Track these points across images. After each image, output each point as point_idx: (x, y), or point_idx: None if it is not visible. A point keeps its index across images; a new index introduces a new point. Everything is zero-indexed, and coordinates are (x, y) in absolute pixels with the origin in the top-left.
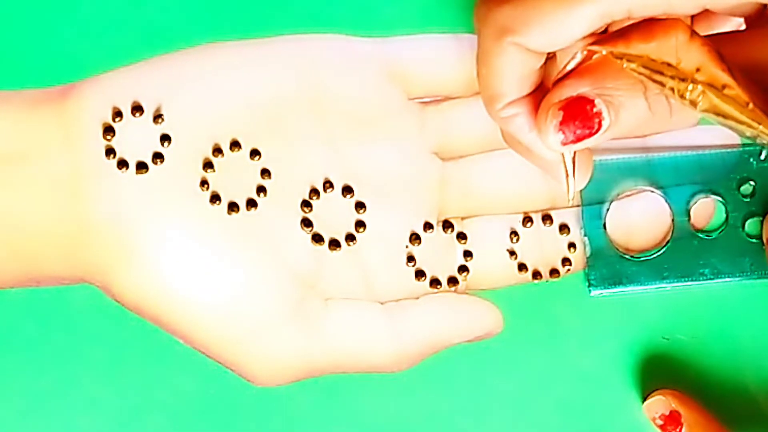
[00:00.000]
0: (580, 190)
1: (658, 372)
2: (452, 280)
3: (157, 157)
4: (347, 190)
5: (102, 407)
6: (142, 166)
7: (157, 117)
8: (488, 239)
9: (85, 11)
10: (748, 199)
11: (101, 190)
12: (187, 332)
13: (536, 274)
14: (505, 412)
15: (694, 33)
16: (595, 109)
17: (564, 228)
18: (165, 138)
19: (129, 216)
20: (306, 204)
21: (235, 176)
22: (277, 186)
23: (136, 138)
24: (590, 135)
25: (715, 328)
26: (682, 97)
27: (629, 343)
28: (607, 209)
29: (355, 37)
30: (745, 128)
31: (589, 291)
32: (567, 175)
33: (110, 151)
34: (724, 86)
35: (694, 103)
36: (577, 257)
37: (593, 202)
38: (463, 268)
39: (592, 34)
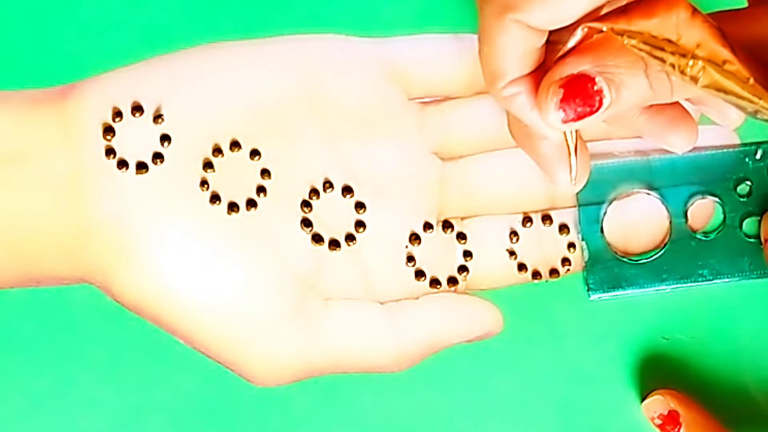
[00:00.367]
0: (577, 194)
1: (657, 372)
2: (452, 280)
3: (157, 157)
4: (347, 190)
5: (102, 407)
6: (142, 166)
7: (157, 117)
8: (488, 239)
9: (85, 11)
10: (745, 199)
11: (101, 190)
12: (187, 332)
13: (536, 274)
14: (505, 412)
15: (695, 10)
16: (595, 87)
17: (563, 228)
18: (165, 138)
19: (129, 216)
20: (306, 204)
21: (235, 176)
22: (277, 186)
23: (136, 138)
24: (591, 113)
25: (714, 328)
26: (682, 73)
27: (629, 343)
28: (604, 213)
29: (355, 37)
30: (746, 103)
31: (589, 295)
32: (569, 155)
33: (110, 151)
34: (724, 62)
35: (694, 79)
36: (577, 257)
37: (590, 206)
38: (462, 268)
39: (593, 12)
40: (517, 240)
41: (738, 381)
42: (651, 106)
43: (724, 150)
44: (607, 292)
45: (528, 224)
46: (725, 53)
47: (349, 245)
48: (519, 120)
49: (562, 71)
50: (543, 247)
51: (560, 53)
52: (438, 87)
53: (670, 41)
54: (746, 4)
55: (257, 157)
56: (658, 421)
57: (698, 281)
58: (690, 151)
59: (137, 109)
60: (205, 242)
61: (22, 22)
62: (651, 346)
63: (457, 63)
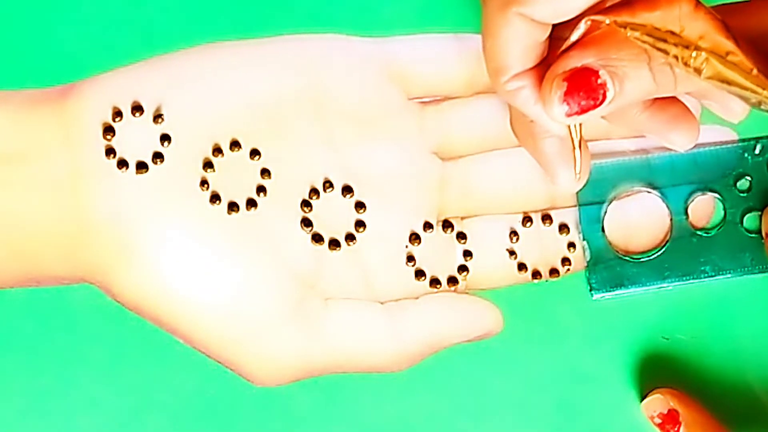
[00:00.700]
0: (577, 193)
1: (657, 372)
2: (452, 280)
3: (157, 156)
4: (347, 189)
5: (102, 407)
6: (142, 166)
7: (157, 117)
8: (488, 239)
9: (85, 11)
10: (745, 195)
11: (101, 189)
12: (187, 332)
13: (536, 274)
14: (505, 412)
15: (697, 2)
16: (599, 80)
17: (563, 228)
18: (165, 138)
19: (129, 216)
20: (306, 204)
21: (235, 176)
22: (277, 186)
23: (136, 138)
24: (595, 106)
25: (714, 328)
26: (686, 64)
27: (629, 343)
28: (605, 212)
29: (355, 37)
30: (750, 94)
31: (591, 295)
32: (574, 148)
33: (110, 151)
34: (727, 53)
35: (698, 71)
36: (577, 257)
37: (590, 205)
38: (462, 268)
39: (596, 5)
40: (517, 240)
41: (738, 380)
42: (653, 103)
43: (723, 146)
44: (610, 291)
45: (528, 224)
46: (728, 44)
47: (349, 245)
48: (522, 117)
49: (566, 64)
50: (543, 246)
51: (564, 47)
52: (438, 87)
53: (673, 33)
54: None
55: (257, 156)
56: (658, 420)
57: (700, 278)
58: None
59: (137, 108)
60: (205, 242)
61: (22, 22)
62: (651, 345)
63: (457, 63)
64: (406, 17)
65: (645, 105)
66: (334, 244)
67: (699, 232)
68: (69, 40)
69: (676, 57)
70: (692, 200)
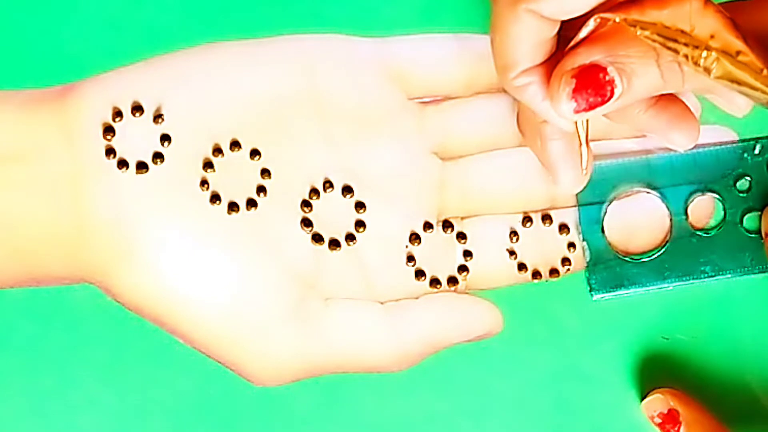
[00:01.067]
0: (577, 194)
1: (657, 372)
2: (452, 280)
3: (158, 156)
4: (347, 189)
5: (102, 407)
6: (142, 166)
7: (157, 117)
8: (488, 239)
9: (85, 11)
10: (745, 195)
11: (101, 190)
12: (187, 332)
13: (536, 274)
14: (505, 412)
15: (707, 0)
16: (607, 77)
17: (563, 228)
18: (165, 138)
19: (129, 216)
20: (306, 204)
21: (235, 176)
22: (277, 186)
23: (136, 138)
24: (603, 102)
25: (714, 327)
26: (695, 64)
27: (629, 343)
28: (605, 212)
29: (355, 37)
30: (759, 94)
31: (591, 295)
32: (580, 144)
33: (110, 151)
34: (738, 53)
35: (708, 70)
36: (577, 257)
37: (590, 206)
38: (462, 268)
39: (606, 2)
40: (517, 240)
41: (738, 379)
42: (655, 103)
43: (723, 146)
44: (610, 291)
45: (528, 224)
46: (739, 44)
47: (349, 245)
48: (532, 118)
49: (574, 61)
50: (543, 246)
51: (572, 43)
52: (438, 87)
53: (683, 32)
54: None
55: (257, 156)
56: (658, 420)
57: (700, 278)
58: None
59: (137, 108)
60: (205, 242)
61: (22, 22)
62: (651, 345)
63: (457, 63)
64: (406, 17)
65: (647, 104)
66: (334, 244)
67: (699, 233)
68: (69, 40)
69: (686, 56)
70: (692, 200)
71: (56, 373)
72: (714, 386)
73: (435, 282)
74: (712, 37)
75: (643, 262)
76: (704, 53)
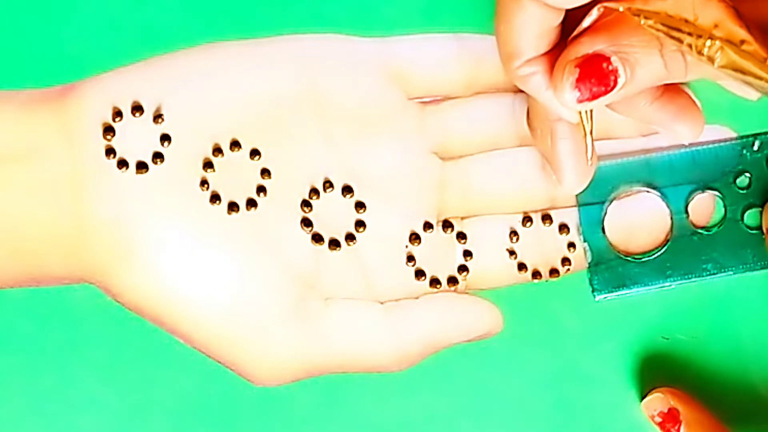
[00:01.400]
0: (577, 195)
1: (657, 372)
2: (452, 280)
3: (157, 156)
4: (347, 189)
5: (102, 407)
6: (142, 166)
7: (157, 117)
8: (488, 239)
9: (85, 11)
10: (745, 191)
11: (101, 190)
12: (187, 332)
13: (536, 274)
14: (505, 412)
15: None
16: (611, 67)
17: (563, 228)
18: (165, 138)
19: (129, 216)
20: (306, 204)
21: (235, 176)
22: (277, 186)
23: (136, 138)
24: (606, 92)
25: (714, 327)
26: (699, 53)
27: (629, 343)
28: (605, 212)
29: (355, 37)
30: (764, 83)
31: (594, 296)
32: (585, 134)
33: (110, 151)
34: (742, 42)
35: (711, 59)
36: (577, 257)
37: (590, 206)
38: (462, 268)
39: None
40: (517, 240)
41: (738, 378)
42: (661, 95)
43: (722, 144)
44: (612, 292)
45: (528, 224)
46: (742, 33)
47: (349, 245)
48: (539, 114)
49: (578, 51)
50: (543, 246)
51: (575, 33)
52: (438, 87)
53: (686, 21)
54: None
55: (257, 156)
56: (658, 419)
57: (702, 276)
58: (688, 147)
59: (137, 108)
60: (206, 242)
61: (22, 22)
62: (651, 345)
63: (457, 63)
64: (406, 17)
65: (653, 96)
66: (334, 244)
67: (700, 231)
68: (69, 40)
69: (689, 45)
70: (692, 199)
71: (56, 373)
72: (714, 386)
73: (435, 282)
74: (715, 26)
75: (645, 261)
76: (708, 42)
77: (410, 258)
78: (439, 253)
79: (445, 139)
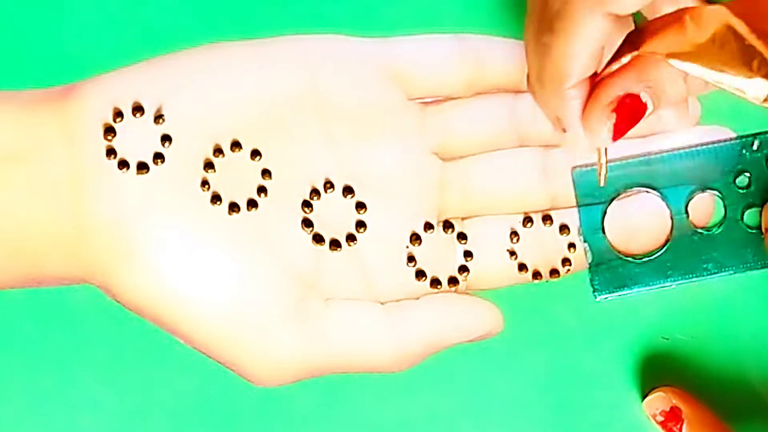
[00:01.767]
0: (577, 195)
1: (658, 371)
2: (452, 280)
3: (158, 157)
4: (348, 190)
5: (102, 407)
6: (142, 167)
7: (158, 117)
8: (488, 239)
9: (85, 11)
10: (744, 191)
11: (102, 190)
12: (187, 332)
13: (536, 274)
14: (505, 412)
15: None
16: (641, 103)
17: (564, 228)
18: (166, 138)
19: (130, 216)
20: (306, 204)
21: (235, 176)
22: (278, 186)
23: (136, 138)
24: (633, 125)
25: (714, 326)
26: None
27: (629, 343)
28: (605, 213)
29: (355, 37)
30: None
31: (594, 296)
32: (600, 166)
33: (111, 152)
34: None
35: (758, 99)
36: (577, 257)
37: (590, 207)
38: (463, 268)
39: None
40: (518, 240)
41: (739, 377)
42: None
43: (721, 144)
44: (613, 292)
45: (528, 224)
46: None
47: (349, 245)
48: (548, 72)
49: (611, 93)
50: (543, 247)
51: (603, 73)
52: (438, 87)
53: (727, 60)
54: None
55: (258, 157)
56: (660, 418)
57: (703, 276)
58: (688, 147)
59: (138, 109)
60: (206, 242)
61: (22, 22)
62: (651, 345)
63: (457, 63)
64: (406, 17)
65: None
66: (335, 244)
67: (700, 231)
68: (70, 41)
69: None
70: (692, 199)
71: (56, 373)
72: (714, 386)
73: (435, 282)
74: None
75: (645, 261)
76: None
77: (411, 258)
78: (439, 254)
79: (446, 140)
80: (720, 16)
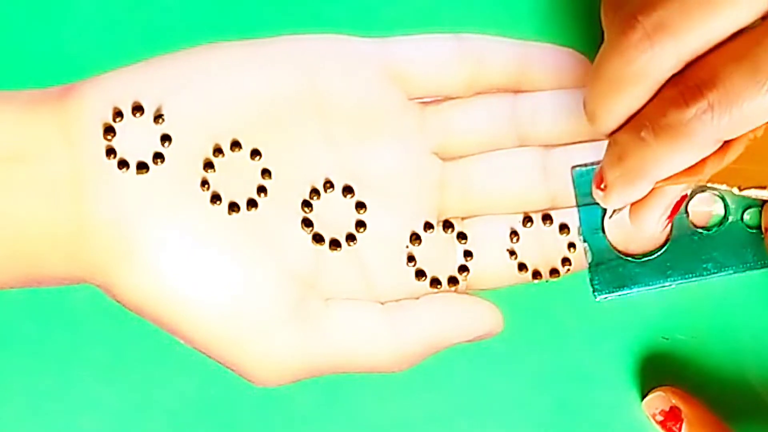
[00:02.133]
0: (576, 195)
1: (658, 371)
2: (452, 280)
3: (158, 157)
4: (347, 190)
5: (102, 407)
6: (142, 166)
7: (158, 117)
8: (488, 239)
9: (85, 11)
10: None
11: (102, 190)
12: (187, 332)
13: (536, 274)
14: (505, 412)
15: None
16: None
17: (564, 228)
18: (165, 138)
19: (129, 216)
20: (306, 204)
21: (235, 176)
22: (278, 186)
23: (136, 138)
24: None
25: (714, 326)
26: None
27: (629, 343)
28: (605, 213)
29: (355, 37)
30: None
31: (595, 296)
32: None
33: (111, 151)
34: None
35: None
36: (577, 257)
37: (590, 207)
38: (463, 268)
39: None
40: (518, 240)
41: (739, 377)
42: None
43: None
44: (613, 292)
45: (528, 224)
46: None
47: (349, 245)
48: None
49: (663, 201)
50: (543, 247)
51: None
52: (438, 87)
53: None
54: None
55: (258, 157)
56: (660, 418)
57: (703, 275)
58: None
59: (138, 109)
60: (206, 242)
61: (22, 22)
62: (651, 345)
63: (457, 63)
64: (406, 17)
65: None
66: (335, 244)
67: (700, 231)
68: (69, 41)
69: None
70: (692, 198)
71: (56, 373)
72: (713, 386)
73: (435, 282)
74: None
75: (645, 261)
76: None
77: (411, 258)
78: (439, 254)
79: (446, 140)
80: None
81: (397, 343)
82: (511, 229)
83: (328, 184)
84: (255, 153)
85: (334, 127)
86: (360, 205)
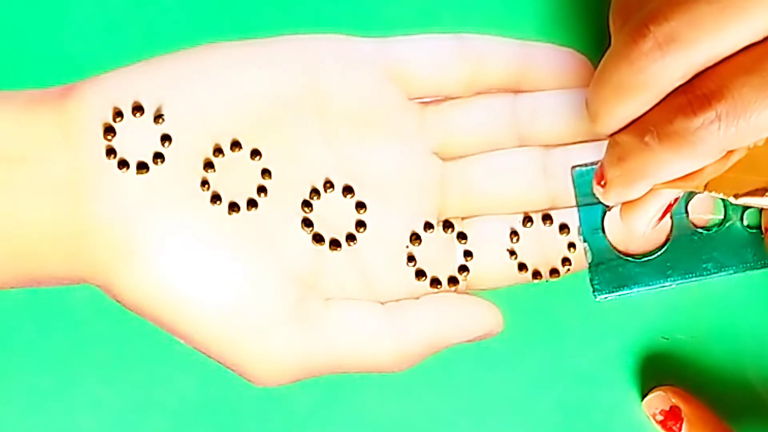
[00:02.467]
0: (576, 195)
1: (658, 371)
2: (452, 280)
3: (158, 157)
4: (348, 190)
5: (102, 407)
6: (142, 166)
7: (158, 117)
8: (488, 239)
9: (85, 11)
10: None
11: (102, 190)
12: (187, 332)
13: (536, 274)
14: (505, 412)
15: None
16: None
17: (564, 228)
18: (165, 138)
19: (130, 216)
20: (306, 204)
21: (235, 176)
22: (278, 186)
23: (136, 138)
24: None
25: (714, 326)
26: None
27: (629, 343)
28: (605, 213)
29: (355, 37)
30: None
31: (595, 296)
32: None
33: (111, 151)
34: None
35: None
36: (577, 257)
37: (590, 206)
38: (463, 268)
39: None
40: (518, 240)
41: (738, 376)
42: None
43: None
44: (613, 292)
45: (528, 224)
46: None
47: (349, 245)
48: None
49: (657, 203)
50: (543, 246)
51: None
52: (438, 87)
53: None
54: None
55: (258, 157)
56: (660, 417)
57: (703, 275)
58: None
59: (138, 109)
60: (206, 242)
61: (22, 22)
62: (651, 345)
63: (457, 63)
64: (406, 17)
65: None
66: (335, 244)
67: (700, 231)
68: (69, 41)
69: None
70: (692, 198)
71: (56, 373)
72: (713, 386)
73: (435, 282)
74: None
75: (645, 261)
76: None
77: (411, 258)
78: (439, 254)
79: (446, 139)
80: None
81: (397, 343)
82: (511, 229)
83: (328, 184)
84: (255, 153)
85: (334, 127)
86: (360, 205)
